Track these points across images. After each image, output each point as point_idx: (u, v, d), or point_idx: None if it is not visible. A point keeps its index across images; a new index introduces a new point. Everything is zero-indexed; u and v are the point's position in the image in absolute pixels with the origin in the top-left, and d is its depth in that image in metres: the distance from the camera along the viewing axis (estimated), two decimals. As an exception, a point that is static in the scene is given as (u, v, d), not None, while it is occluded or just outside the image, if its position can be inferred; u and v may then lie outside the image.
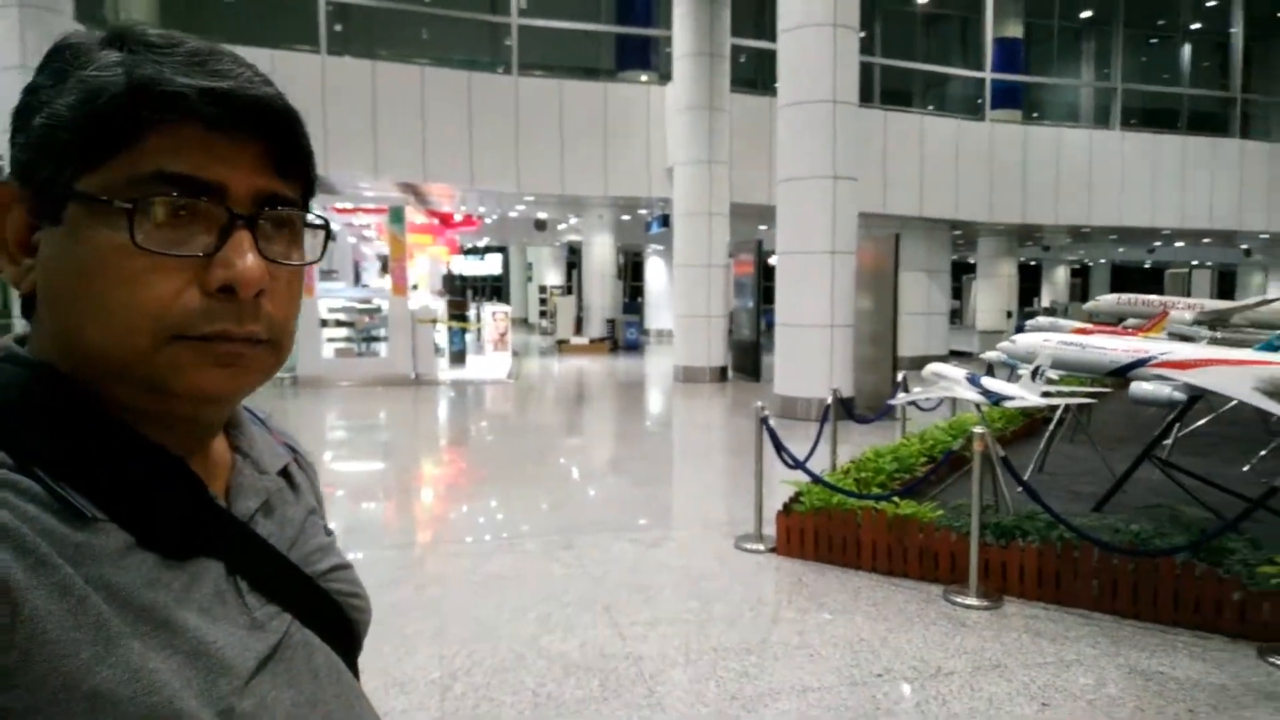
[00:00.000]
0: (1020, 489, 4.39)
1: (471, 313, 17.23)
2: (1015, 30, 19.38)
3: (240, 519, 0.63)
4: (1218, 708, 3.11)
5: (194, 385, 0.57)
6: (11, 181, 0.58)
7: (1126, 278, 37.30)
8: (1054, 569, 4.12)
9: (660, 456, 8.46)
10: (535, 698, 3.15)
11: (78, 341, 0.56)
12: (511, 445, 8.72)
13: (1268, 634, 3.61)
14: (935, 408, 8.24)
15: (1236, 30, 20.61)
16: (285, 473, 0.73)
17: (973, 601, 4.09)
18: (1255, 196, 19.52)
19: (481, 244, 35.63)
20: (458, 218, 18.40)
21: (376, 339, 13.20)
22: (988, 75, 17.97)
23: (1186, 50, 21.87)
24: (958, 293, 33.32)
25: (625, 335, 21.15)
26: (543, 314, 27.77)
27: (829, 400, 6.46)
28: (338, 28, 14.61)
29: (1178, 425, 6.12)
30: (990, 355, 7.59)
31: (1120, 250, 30.02)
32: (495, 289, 40.74)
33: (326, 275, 13.92)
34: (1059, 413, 6.74)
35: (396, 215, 13.12)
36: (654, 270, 27.25)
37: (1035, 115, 20.41)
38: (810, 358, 9.62)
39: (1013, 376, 7.07)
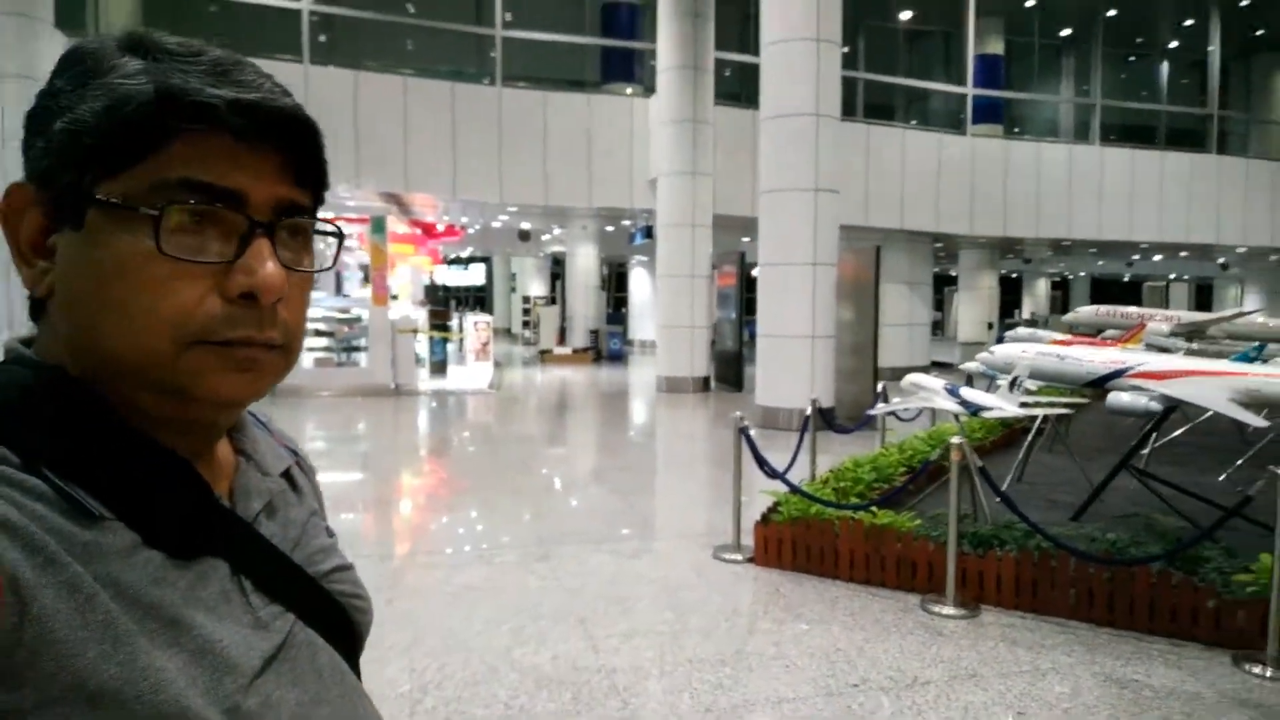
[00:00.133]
0: (999, 499, 4.39)
1: (454, 322, 17.15)
2: (997, 47, 19.67)
3: (244, 520, 0.64)
4: (1192, 715, 3.11)
5: (214, 390, 0.57)
6: (27, 184, 0.58)
7: (1106, 290, 37.78)
8: (1031, 578, 4.12)
9: (641, 467, 8.43)
10: (507, 710, 3.10)
11: (95, 345, 0.56)
12: (491, 456, 8.66)
13: (1242, 641, 3.62)
14: (915, 418, 8.26)
15: (1214, 49, 20.98)
16: (287, 475, 0.74)
17: (950, 611, 4.09)
18: (1231, 211, 19.82)
19: (465, 254, 35.67)
20: (440, 228, 18.36)
21: (356, 349, 13.09)
22: (969, 91, 18.18)
23: (1165, 68, 22.24)
24: (940, 304, 33.63)
25: (609, 345, 21.16)
26: (526, 324, 27.66)
27: (809, 410, 6.46)
28: (322, 38, 14.60)
29: (1154, 435, 6.16)
30: (969, 366, 7.61)
31: (1100, 263, 30.40)
32: (479, 299, 40.71)
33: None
34: (1038, 423, 6.77)
35: (378, 225, 13.05)
36: (638, 281, 27.29)
37: (1016, 130, 20.68)
38: (791, 368, 9.62)
39: (991, 387, 7.09)
